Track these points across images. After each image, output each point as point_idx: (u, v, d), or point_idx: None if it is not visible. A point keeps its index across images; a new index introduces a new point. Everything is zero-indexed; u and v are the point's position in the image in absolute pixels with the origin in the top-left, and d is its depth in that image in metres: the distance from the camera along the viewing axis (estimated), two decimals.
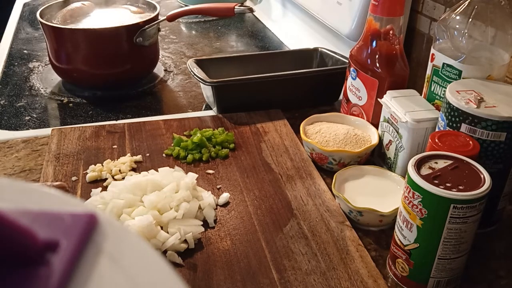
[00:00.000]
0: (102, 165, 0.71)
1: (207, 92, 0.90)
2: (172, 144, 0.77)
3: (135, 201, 0.61)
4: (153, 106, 0.95)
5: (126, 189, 0.62)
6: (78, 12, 1.02)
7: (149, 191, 0.62)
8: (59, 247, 0.22)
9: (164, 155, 0.75)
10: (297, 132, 0.79)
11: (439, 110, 0.64)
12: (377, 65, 0.74)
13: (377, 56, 0.75)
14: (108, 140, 0.78)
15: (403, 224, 0.52)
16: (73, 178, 0.69)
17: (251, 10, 0.97)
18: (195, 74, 0.86)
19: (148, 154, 0.75)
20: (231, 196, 0.67)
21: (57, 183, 0.62)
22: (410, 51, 0.90)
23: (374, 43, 0.75)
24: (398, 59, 0.75)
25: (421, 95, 0.71)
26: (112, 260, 0.22)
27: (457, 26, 0.63)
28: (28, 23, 1.38)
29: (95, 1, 1.06)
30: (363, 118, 0.78)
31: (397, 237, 0.54)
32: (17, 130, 0.84)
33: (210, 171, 0.72)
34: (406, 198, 0.51)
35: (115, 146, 0.77)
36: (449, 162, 0.52)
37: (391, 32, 0.73)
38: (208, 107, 0.92)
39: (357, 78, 0.78)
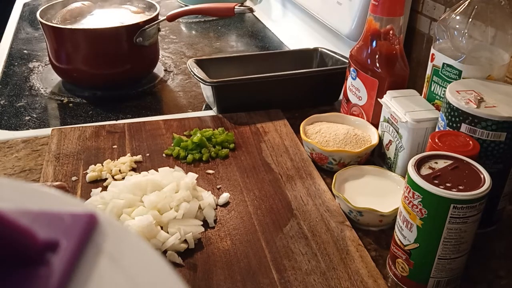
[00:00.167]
0: (102, 165, 0.71)
1: (207, 92, 0.90)
2: (172, 144, 0.77)
3: (135, 201, 0.61)
4: (153, 106, 0.95)
5: (126, 189, 0.62)
6: (78, 12, 1.02)
7: (149, 191, 0.62)
8: (59, 247, 0.22)
9: (164, 155, 0.75)
10: (297, 132, 0.79)
11: (439, 110, 0.64)
12: (377, 65, 0.74)
13: (377, 56, 0.75)
14: (108, 140, 0.78)
15: (403, 224, 0.52)
16: (73, 178, 0.69)
17: (251, 10, 0.97)
18: (195, 74, 0.86)
19: (148, 154, 0.75)
20: (231, 196, 0.67)
21: (57, 183, 0.62)
22: (410, 51, 0.90)
23: (374, 43, 0.75)
24: (398, 59, 0.75)
25: (421, 95, 0.71)
26: (112, 260, 0.22)
27: (457, 26, 0.63)
28: (28, 23, 1.38)
29: (95, 1, 1.06)
30: (363, 118, 0.78)
31: (397, 237, 0.54)
32: (17, 130, 0.84)
33: (210, 171, 0.72)
34: (406, 198, 0.51)
35: (115, 146, 0.77)
36: (449, 162, 0.52)
37: (391, 32, 0.73)
38: (208, 107, 0.92)
39: (357, 78, 0.78)
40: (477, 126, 0.57)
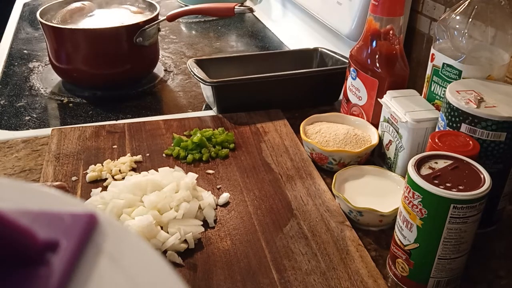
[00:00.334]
0: (102, 165, 0.71)
1: (207, 92, 0.90)
2: (172, 144, 0.77)
3: (135, 201, 0.61)
4: (153, 106, 0.95)
5: (126, 189, 0.62)
6: (78, 12, 1.02)
7: (149, 191, 0.62)
8: (59, 247, 0.22)
9: (164, 155, 0.75)
10: (297, 132, 0.79)
11: (439, 110, 0.64)
12: (377, 65, 0.74)
13: (377, 56, 0.75)
14: (108, 140, 0.78)
15: (403, 224, 0.52)
16: (73, 178, 0.69)
17: (251, 10, 0.97)
18: (195, 74, 0.86)
19: (148, 154, 0.75)
20: (231, 196, 0.67)
21: (57, 183, 0.62)
22: (410, 51, 0.90)
23: (374, 43, 0.75)
24: (398, 59, 0.75)
25: (421, 95, 0.71)
26: (112, 260, 0.22)
27: (457, 26, 0.63)
28: (28, 23, 1.38)
29: (95, 1, 1.06)
30: (363, 118, 0.78)
31: (397, 237, 0.54)
32: (17, 130, 0.84)
33: (210, 171, 0.72)
34: (406, 198, 0.51)
35: (115, 146, 0.77)
36: (449, 162, 0.52)
37: (391, 32, 0.73)
38: (208, 107, 0.92)
39: (357, 78, 0.78)
40: (477, 126, 0.57)
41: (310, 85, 0.90)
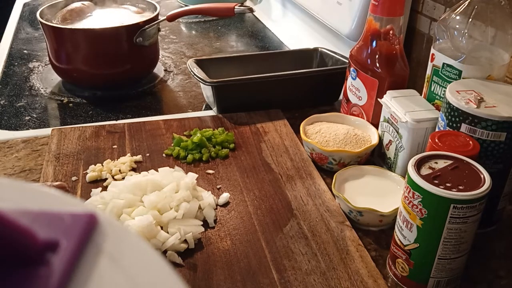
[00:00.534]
0: (102, 165, 0.71)
1: (207, 92, 0.90)
2: (172, 144, 0.77)
3: (135, 201, 0.61)
4: (153, 106, 0.95)
5: (126, 189, 0.62)
6: (78, 12, 1.02)
7: (149, 191, 0.62)
8: (59, 247, 0.22)
9: (164, 155, 0.75)
10: (297, 132, 0.79)
11: (439, 110, 0.64)
12: (377, 65, 0.74)
13: (377, 56, 0.75)
14: (108, 140, 0.78)
15: (403, 224, 0.52)
16: (73, 178, 0.69)
17: (251, 10, 0.97)
18: (195, 74, 0.86)
19: (148, 154, 0.75)
20: (231, 196, 0.67)
21: (57, 183, 0.62)
22: (410, 51, 0.90)
23: (374, 43, 0.75)
24: (398, 59, 0.75)
25: (421, 95, 0.71)
26: (112, 260, 0.22)
27: (457, 26, 0.63)
28: (28, 23, 1.38)
29: (95, 1, 1.06)
30: (363, 118, 0.78)
31: (397, 237, 0.54)
32: (17, 130, 0.84)
33: (210, 171, 0.72)
34: (406, 198, 0.51)
35: (115, 146, 0.77)
36: (449, 162, 0.52)
37: (391, 32, 0.73)
38: (208, 107, 0.92)
39: (357, 78, 0.78)
40: (477, 126, 0.57)
41: (310, 85, 0.90)
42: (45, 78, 1.04)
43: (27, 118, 0.88)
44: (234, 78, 0.85)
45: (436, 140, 0.57)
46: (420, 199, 0.49)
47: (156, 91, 1.01)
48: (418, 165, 0.51)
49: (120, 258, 0.23)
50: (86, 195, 0.66)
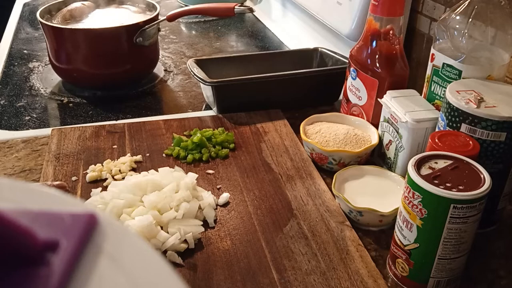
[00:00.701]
0: (102, 165, 0.71)
1: (207, 92, 0.90)
2: (172, 144, 0.77)
3: (135, 201, 0.61)
4: (153, 106, 0.95)
5: (126, 189, 0.62)
6: (78, 12, 1.02)
7: (149, 191, 0.62)
8: (59, 247, 0.22)
9: (164, 155, 0.75)
10: (297, 132, 0.79)
11: (439, 110, 0.64)
12: (377, 65, 0.74)
13: (377, 56, 0.75)
14: (108, 140, 0.78)
15: (403, 224, 0.52)
16: (73, 178, 0.69)
17: (251, 10, 0.97)
18: (195, 74, 0.86)
19: (148, 154, 0.75)
20: (231, 196, 0.67)
21: (57, 182, 0.63)
22: (410, 51, 0.90)
23: (374, 43, 0.75)
24: (398, 59, 0.75)
25: (421, 95, 0.71)
26: (112, 260, 0.22)
27: (457, 26, 0.63)
28: (28, 23, 1.38)
29: (95, 1, 1.06)
30: (363, 118, 0.78)
31: (397, 237, 0.54)
32: (17, 130, 0.84)
33: (210, 171, 0.72)
34: (406, 198, 0.51)
35: (115, 146, 0.77)
36: (449, 162, 0.52)
37: (391, 32, 0.73)
38: (208, 107, 0.92)
39: (357, 78, 0.78)
40: (477, 126, 0.57)
41: (310, 85, 0.90)
42: (45, 78, 1.04)
43: (27, 118, 0.88)
44: (234, 78, 0.85)
45: (436, 140, 0.57)
46: (420, 199, 0.49)
47: (156, 91, 1.01)
48: (418, 165, 0.51)
49: (120, 258, 0.23)
50: (86, 195, 0.66)
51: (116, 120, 0.87)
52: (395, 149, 0.70)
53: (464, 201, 0.47)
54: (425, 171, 0.51)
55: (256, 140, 0.80)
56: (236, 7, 0.94)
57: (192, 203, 0.62)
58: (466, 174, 0.50)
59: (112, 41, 0.95)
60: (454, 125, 0.59)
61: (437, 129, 0.63)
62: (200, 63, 0.90)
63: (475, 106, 0.57)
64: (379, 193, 0.66)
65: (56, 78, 1.02)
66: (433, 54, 0.67)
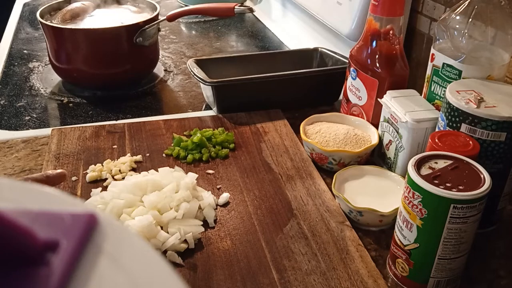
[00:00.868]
0: (102, 165, 0.71)
1: (207, 92, 0.90)
2: (172, 144, 0.77)
3: (135, 201, 0.61)
4: (153, 106, 0.95)
5: (126, 189, 0.62)
6: (78, 12, 1.02)
7: (149, 191, 0.62)
8: (59, 247, 0.22)
9: (164, 155, 0.75)
10: (297, 132, 0.79)
11: (439, 110, 0.64)
12: (377, 65, 0.74)
13: (377, 56, 0.75)
14: (108, 140, 0.78)
15: (403, 224, 0.52)
16: (73, 178, 0.69)
17: (251, 10, 0.97)
18: (195, 74, 0.86)
19: (148, 154, 0.75)
20: (231, 196, 0.67)
21: (58, 170, 0.63)
22: (410, 51, 0.90)
23: (374, 43, 0.75)
24: (398, 59, 0.75)
25: (421, 95, 0.71)
26: (112, 260, 0.22)
27: (457, 26, 0.63)
28: (28, 23, 1.38)
29: (95, 1, 1.06)
30: (363, 118, 0.78)
31: (397, 237, 0.54)
32: (17, 130, 0.84)
33: (210, 171, 0.72)
34: (406, 198, 0.51)
35: (115, 146, 0.77)
36: (449, 162, 0.52)
37: (391, 32, 0.73)
38: (208, 107, 0.92)
39: (357, 78, 0.78)
40: (477, 126, 0.57)
41: (310, 85, 0.90)
42: (45, 78, 1.04)
43: (27, 118, 0.88)
44: (234, 78, 0.85)
45: (436, 140, 0.57)
46: (420, 199, 0.49)
47: (156, 91, 1.01)
48: (418, 165, 0.51)
49: (120, 258, 0.23)
50: (86, 195, 0.66)
51: (116, 120, 0.87)
52: (395, 149, 0.70)
53: (464, 201, 0.47)
54: (425, 171, 0.51)
55: (256, 140, 0.80)
56: (236, 7, 0.94)
57: (192, 203, 0.62)
58: (466, 174, 0.50)
59: (112, 41, 0.95)
60: (454, 125, 0.59)
61: (437, 129, 0.63)
62: (200, 63, 0.90)
63: (475, 106, 0.57)
64: (379, 193, 0.66)
65: (56, 78, 1.02)
66: (433, 54, 0.67)
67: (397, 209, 0.57)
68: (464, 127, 0.58)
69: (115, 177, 0.69)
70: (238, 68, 0.93)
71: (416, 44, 0.89)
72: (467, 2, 0.63)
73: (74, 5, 1.03)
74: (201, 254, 0.57)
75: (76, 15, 1.01)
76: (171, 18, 0.98)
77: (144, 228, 0.56)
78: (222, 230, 0.61)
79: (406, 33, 0.90)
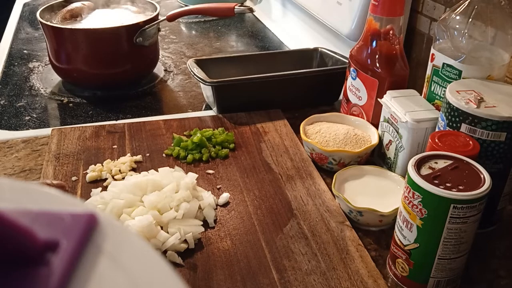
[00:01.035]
0: (102, 165, 0.71)
1: (207, 92, 0.90)
2: (172, 144, 0.77)
3: (135, 201, 0.61)
4: (153, 106, 0.95)
5: (126, 189, 0.62)
6: (78, 12, 1.02)
7: (149, 191, 0.62)
8: (59, 247, 0.22)
9: (164, 155, 0.75)
10: (297, 132, 0.79)
11: (439, 110, 0.64)
12: (377, 65, 0.74)
13: (377, 56, 0.75)
14: (108, 140, 0.78)
15: (403, 224, 0.52)
16: (73, 178, 0.69)
17: (251, 10, 0.97)
18: (195, 74, 0.86)
19: (148, 154, 0.75)
20: (231, 196, 0.67)
21: (56, 182, 0.62)
22: (410, 51, 0.90)
23: (374, 43, 0.75)
24: (398, 59, 0.75)
25: (421, 95, 0.71)
26: (112, 260, 0.22)
27: (457, 26, 0.63)
28: (28, 23, 1.38)
29: (95, 1, 1.06)
30: (363, 118, 0.78)
31: (397, 237, 0.54)
32: (17, 130, 0.84)
33: (210, 171, 0.72)
34: (406, 198, 0.51)
35: (115, 146, 0.77)
36: (449, 162, 0.52)
37: (391, 32, 0.73)
38: (208, 107, 0.92)
39: (357, 78, 0.78)
40: (477, 126, 0.57)
41: (310, 85, 0.90)
42: (45, 78, 1.04)
43: (27, 118, 0.88)
44: (234, 78, 0.85)
45: (436, 140, 0.57)
46: (420, 199, 0.49)
47: (156, 91, 1.01)
48: (418, 165, 0.51)
49: (120, 258, 0.23)
50: (86, 195, 0.66)
51: (116, 120, 0.87)
52: (395, 149, 0.70)
53: (464, 201, 0.47)
54: (425, 171, 0.51)
55: (256, 140, 0.80)
56: (236, 7, 0.94)
57: (192, 203, 0.62)
58: (466, 174, 0.50)
59: (112, 41, 0.95)
60: (454, 125, 0.59)
61: (437, 129, 0.63)
62: (200, 63, 0.90)
63: (475, 106, 0.57)
64: (379, 193, 0.66)
65: (56, 78, 1.02)
66: (433, 54, 0.67)
67: (397, 209, 0.57)
68: (464, 127, 0.58)
69: (115, 177, 0.69)
70: (238, 68, 0.93)
71: (416, 44, 0.89)
72: (467, 2, 0.63)
73: (74, 5, 1.03)
74: (201, 254, 0.57)
75: (76, 15, 1.01)
76: (171, 18, 0.98)
77: (144, 228, 0.56)
78: (222, 230, 0.61)
79: (406, 33, 0.90)
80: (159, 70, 1.09)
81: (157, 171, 0.68)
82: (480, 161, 0.53)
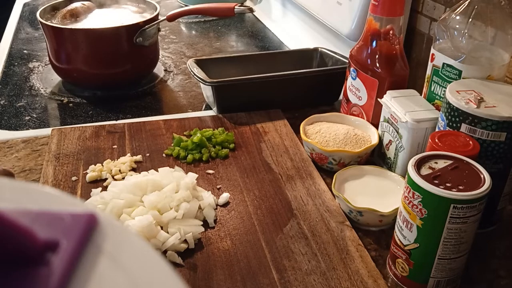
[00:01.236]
0: (102, 165, 0.71)
1: (207, 92, 0.90)
2: (172, 144, 0.77)
3: (135, 201, 0.61)
4: (153, 106, 0.95)
5: (126, 189, 0.62)
6: (78, 12, 1.02)
7: (149, 191, 0.62)
8: (59, 247, 0.22)
9: (164, 155, 0.75)
10: (297, 132, 0.79)
11: (439, 110, 0.64)
12: (377, 65, 0.74)
13: (377, 56, 0.75)
14: (108, 140, 0.78)
15: (403, 224, 0.52)
16: (73, 178, 0.69)
17: (251, 10, 0.97)
18: (195, 74, 0.86)
19: (148, 154, 0.75)
20: (231, 196, 0.67)
21: (1, 168, 0.58)
22: (410, 51, 0.90)
23: (374, 43, 0.75)
24: (398, 59, 0.75)
25: (421, 95, 0.71)
26: (112, 260, 0.22)
27: (457, 26, 0.63)
28: (28, 23, 1.38)
29: (95, 1, 1.06)
30: (363, 118, 0.78)
31: (397, 237, 0.54)
32: (17, 130, 0.84)
33: (210, 171, 0.72)
34: (406, 198, 0.51)
35: (115, 146, 0.77)
36: (449, 162, 0.52)
37: (391, 32, 0.73)
38: (208, 107, 0.92)
39: (357, 78, 0.78)
40: (477, 126, 0.57)
41: (310, 85, 0.90)
42: (45, 78, 1.04)
43: (27, 118, 0.88)
44: (234, 78, 0.85)
45: (436, 140, 0.57)
46: (420, 199, 0.49)
47: (156, 91, 1.01)
48: (418, 165, 0.51)
49: (120, 258, 0.23)
50: (86, 195, 0.66)
51: (116, 120, 0.87)
52: (395, 149, 0.70)
53: (464, 201, 0.47)
54: (425, 171, 0.51)
55: (256, 140, 0.80)
56: (236, 7, 0.94)
57: (192, 203, 0.62)
58: (466, 174, 0.50)
59: (112, 41, 0.95)
60: (454, 125, 0.59)
61: (437, 129, 0.63)
62: (200, 63, 0.90)
63: (475, 106, 0.57)
64: (379, 193, 0.66)
65: (56, 78, 1.02)
66: (433, 54, 0.67)
67: (397, 209, 0.57)
68: (464, 127, 0.58)
69: (115, 177, 0.69)
70: (238, 68, 0.93)
71: (416, 44, 0.89)
72: (467, 2, 0.63)
73: (74, 5, 1.03)
74: (201, 254, 0.57)
75: (76, 15, 1.01)
76: (171, 18, 0.98)
77: (144, 228, 0.56)
78: (222, 230, 0.61)
79: (406, 33, 0.90)
80: (159, 70, 1.09)
81: (157, 171, 0.68)
82: (480, 161, 0.53)
